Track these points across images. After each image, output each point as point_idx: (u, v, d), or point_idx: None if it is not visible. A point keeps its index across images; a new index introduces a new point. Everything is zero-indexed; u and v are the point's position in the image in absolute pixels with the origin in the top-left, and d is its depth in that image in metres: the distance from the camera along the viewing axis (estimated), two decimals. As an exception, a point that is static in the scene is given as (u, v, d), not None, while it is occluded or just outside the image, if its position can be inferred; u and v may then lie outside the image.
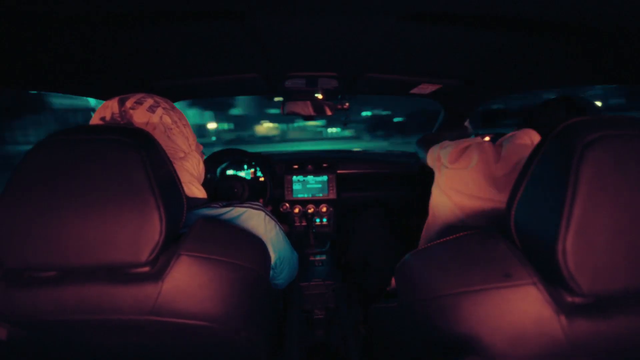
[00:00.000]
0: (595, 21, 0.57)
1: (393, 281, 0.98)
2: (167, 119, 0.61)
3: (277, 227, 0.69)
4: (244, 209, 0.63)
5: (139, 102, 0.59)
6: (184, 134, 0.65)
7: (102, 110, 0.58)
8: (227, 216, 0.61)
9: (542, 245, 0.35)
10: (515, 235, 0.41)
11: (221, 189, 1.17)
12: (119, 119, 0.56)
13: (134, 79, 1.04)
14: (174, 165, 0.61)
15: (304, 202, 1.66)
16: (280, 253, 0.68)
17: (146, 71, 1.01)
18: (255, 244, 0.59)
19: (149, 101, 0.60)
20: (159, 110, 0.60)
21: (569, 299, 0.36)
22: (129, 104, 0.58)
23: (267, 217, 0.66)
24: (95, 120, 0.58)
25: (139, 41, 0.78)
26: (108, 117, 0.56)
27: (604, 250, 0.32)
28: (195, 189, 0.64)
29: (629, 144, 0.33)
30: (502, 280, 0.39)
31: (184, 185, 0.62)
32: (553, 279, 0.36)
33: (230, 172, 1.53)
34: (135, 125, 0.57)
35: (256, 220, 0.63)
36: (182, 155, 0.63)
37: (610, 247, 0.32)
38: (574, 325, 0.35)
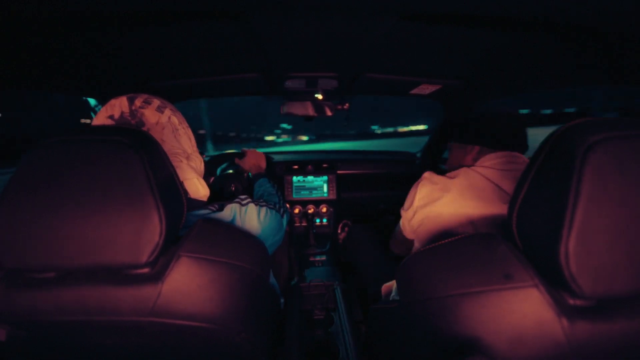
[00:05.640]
0: (595, 22, 0.57)
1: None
2: (174, 120, 0.62)
3: (251, 206, 0.66)
4: (220, 213, 0.61)
5: (147, 102, 0.59)
6: (188, 135, 0.66)
7: (109, 108, 0.57)
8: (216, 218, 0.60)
9: (543, 247, 0.35)
10: (517, 236, 0.41)
11: (220, 190, 1.18)
12: (129, 117, 0.56)
13: (134, 79, 1.04)
14: (181, 164, 0.61)
15: (304, 203, 1.66)
16: (265, 231, 0.67)
17: (146, 71, 1.01)
18: (255, 244, 0.59)
19: (156, 102, 0.60)
20: (167, 111, 0.61)
21: (571, 301, 0.36)
22: (138, 102, 0.58)
23: (239, 206, 0.63)
24: (101, 118, 0.56)
25: (139, 41, 0.78)
26: (117, 116, 0.56)
27: (606, 253, 0.32)
28: (200, 186, 0.65)
29: (631, 146, 0.32)
30: (503, 282, 0.38)
31: (189, 181, 0.62)
32: (555, 281, 0.36)
33: (229, 171, 1.53)
34: (146, 124, 0.57)
35: (228, 215, 0.62)
36: (187, 155, 0.64)
37: (612, 249, 0.32)
38: (576, 328, 0.35)
